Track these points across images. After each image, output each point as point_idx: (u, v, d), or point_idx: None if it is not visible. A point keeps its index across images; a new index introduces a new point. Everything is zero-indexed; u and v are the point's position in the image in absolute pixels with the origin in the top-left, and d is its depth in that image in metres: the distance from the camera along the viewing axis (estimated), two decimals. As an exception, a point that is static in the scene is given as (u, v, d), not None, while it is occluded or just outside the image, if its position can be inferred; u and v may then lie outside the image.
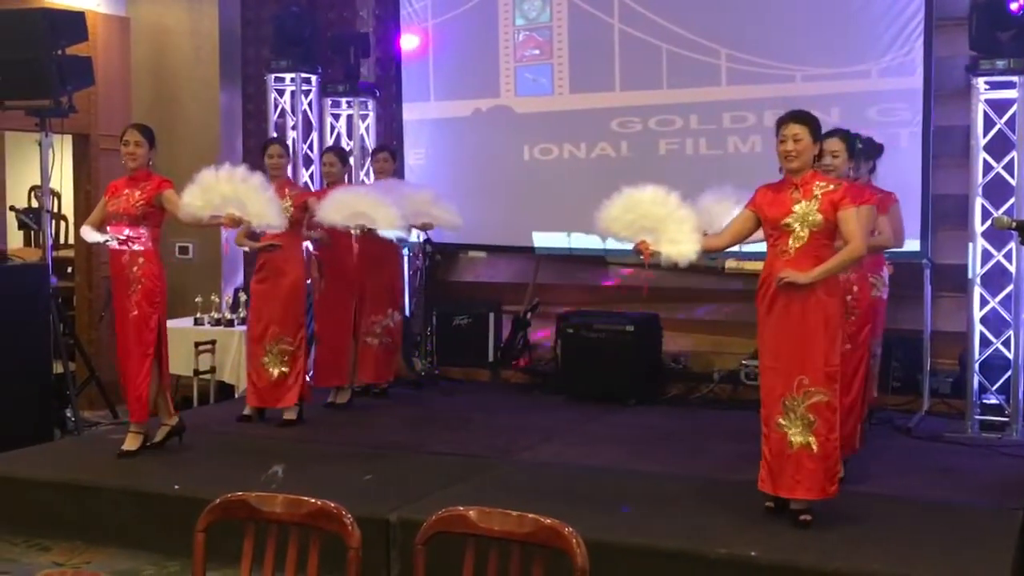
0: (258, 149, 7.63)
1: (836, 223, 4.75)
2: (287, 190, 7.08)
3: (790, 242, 4.77)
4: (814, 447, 4.77)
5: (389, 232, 7.34)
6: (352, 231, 7.26)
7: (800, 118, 4.82)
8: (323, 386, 7.71)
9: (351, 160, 9.22)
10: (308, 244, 7.71)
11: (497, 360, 8.86)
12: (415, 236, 8.18)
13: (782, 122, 4.85)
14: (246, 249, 7.18)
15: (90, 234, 6.38)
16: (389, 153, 8.24)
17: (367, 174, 8.91)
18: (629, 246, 5.05)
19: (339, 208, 7.12)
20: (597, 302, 8.72)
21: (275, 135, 9.15)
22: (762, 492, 4.97)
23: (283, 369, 7.01)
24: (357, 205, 7.14)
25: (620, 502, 5.29)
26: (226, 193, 6.09)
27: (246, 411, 7.18)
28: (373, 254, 7.83)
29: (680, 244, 4.90)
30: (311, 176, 8.95)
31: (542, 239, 8.74)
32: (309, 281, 7.48)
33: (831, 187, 4.79)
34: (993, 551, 4.56)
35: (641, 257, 4.99)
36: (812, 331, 4.75)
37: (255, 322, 7.11)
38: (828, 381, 4.77)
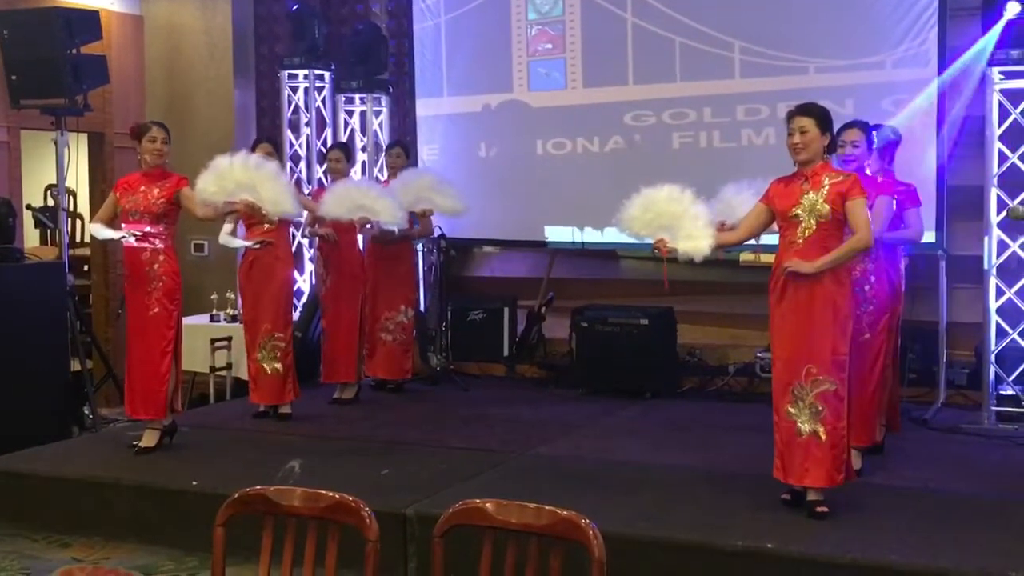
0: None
1: (844, 214, 4.76)
2: None
3: (798, 233, 4.80)
4: (822, 435, 4.79)
5: (391, 224, 7.40)
6: (356, 224, 7.33)
7: (806, 110, 4.84)
8: (331, 382, 7.74)
9: (364, 156, 9.27)
10: (304, 240, 7.71)
11: (512, 355, 8.87)
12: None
13: (790, 115, 4.89)
14: (237, 246, 7.11)
15: (101, 231, 6.34)
16: (402, 148, 8.24)
17: (380, 170, 8.93)
18: (648, 242, 5.16)
19: (341, 201, 7.18)
20: (612, 296, 8.72)
21: (289, 132, 9.21)
22: (778, 484, 4.98)
23: (276, 365, 7.03)
24: (359, 198, 7.21)
25: (636, 495, 5.30)
26: (240, 180, 6.10)
27: (262, 407, 7.21)
28: (386, 250, 7.86)
29: (695, 240, 4.98)
30: (324, 173, 8.96)
31: (555, 233, 8.74)
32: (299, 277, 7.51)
33: (840, 178, 4.81)
34: (1010, 541, 4.54)
35: (658, 253, 5.08)
36: (820, 320, 4.77)
37: (251, 321, 7.13)
38: (836, 370, 4.78)
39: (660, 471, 5.83)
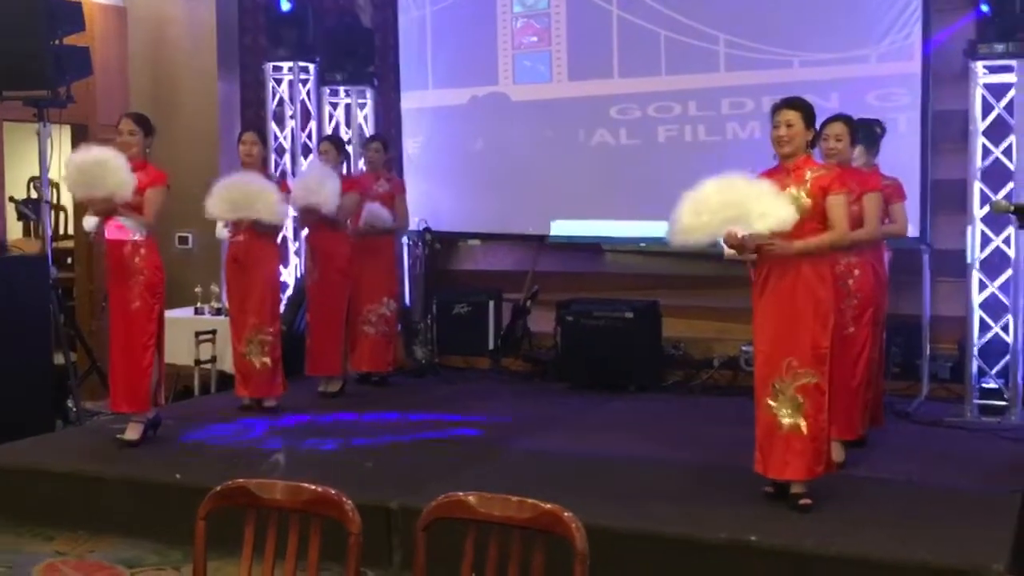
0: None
1: (826, 207, 4.76)
2: None
3: None
4: (803, 428, 4.79)
5: (271, 221, 6.95)
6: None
7: (792, 104, 4.84)
8: (315, 375, 7.73)
9: (349, 148, 9.23)
10: (289, 233, 7.69)
11: (497, 348, 8.87)
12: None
13: (775, 108, 4.88)
14: (226, 237, 7.09)
15: (90, 221, 6.28)
16: (381, 143, 8.19)
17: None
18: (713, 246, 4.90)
19: (219, 202, 6.86)
20: (598, 289, 8.72)
21: (273, 124, 9.17)
22: (762, 477, 4.99)
23: (264, 360, 7.01)
24: (236, 197, 6.84)
25: (620, 488, 5.30)
26: (88, 176, 5.98)
27: (247, 400, 7.19)
28: (367, 243, 7.84)
29: (771, 213, 4.64)
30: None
31: (541, 227, 8.73)
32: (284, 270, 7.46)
33: (822, 172, 4.81)
34: (992, 534, 4.55)
35: (727, 247, 4.78)
36: (801, 313, 4.77)
37: (237, 315, 7.10)
38: (817, 363, 4.78)
39: (644, 464, 5.84)
